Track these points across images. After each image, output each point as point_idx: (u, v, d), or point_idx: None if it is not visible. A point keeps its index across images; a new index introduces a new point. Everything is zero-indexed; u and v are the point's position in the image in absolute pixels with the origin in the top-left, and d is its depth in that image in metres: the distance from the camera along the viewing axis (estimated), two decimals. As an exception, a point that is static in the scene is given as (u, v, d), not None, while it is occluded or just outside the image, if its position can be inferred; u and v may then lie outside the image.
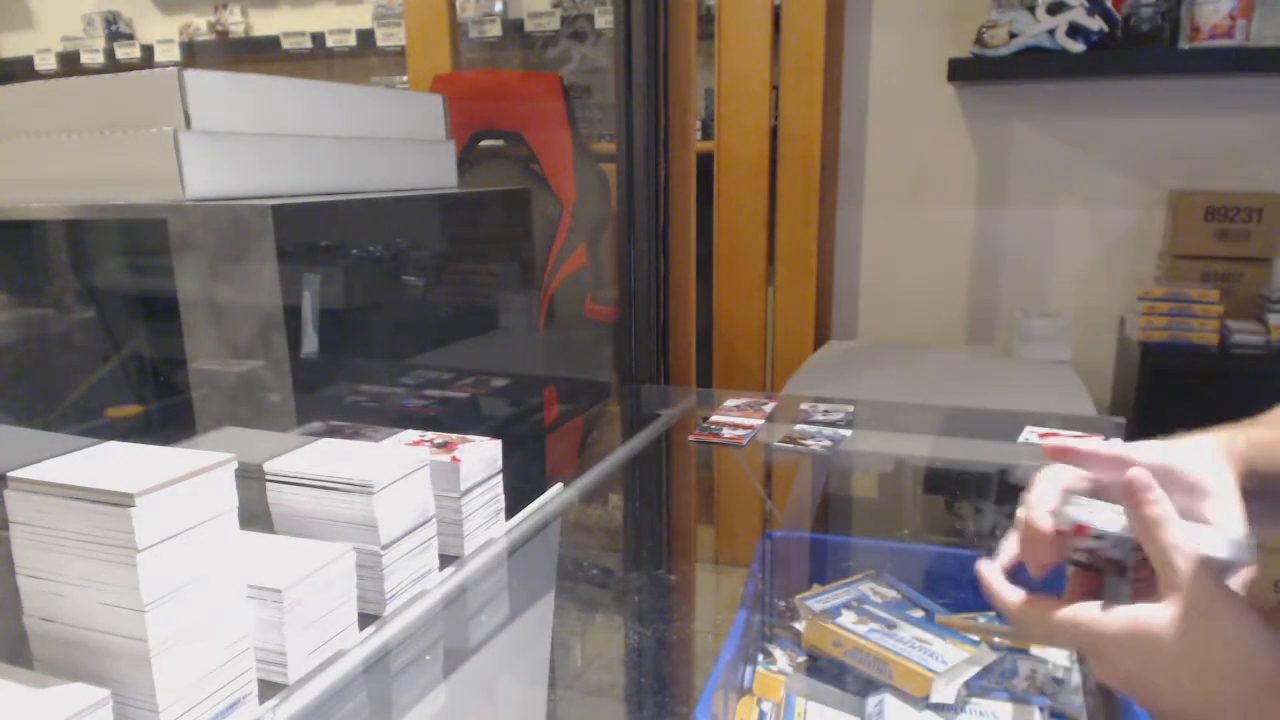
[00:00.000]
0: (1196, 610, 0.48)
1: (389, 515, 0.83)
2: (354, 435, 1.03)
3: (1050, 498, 0.58)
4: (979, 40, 1.96)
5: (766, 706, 0.81)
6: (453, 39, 2.18)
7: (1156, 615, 0.49)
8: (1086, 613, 0.53)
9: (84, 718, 0.56)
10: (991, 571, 0.60)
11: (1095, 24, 1.87)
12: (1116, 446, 0.60)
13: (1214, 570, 0.49)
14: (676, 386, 1.82)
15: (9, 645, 0.66)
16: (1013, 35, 1.93)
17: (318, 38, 3.07)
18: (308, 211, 1.06)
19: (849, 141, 2.29)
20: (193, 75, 0.98)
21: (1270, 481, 0.58)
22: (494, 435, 1.01)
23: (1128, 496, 0.52)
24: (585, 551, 1.16)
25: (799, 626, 0.90)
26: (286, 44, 3.11)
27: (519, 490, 1.11)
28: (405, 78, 2.32)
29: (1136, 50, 1.91)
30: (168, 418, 1.13)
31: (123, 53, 3.33)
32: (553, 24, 2.67)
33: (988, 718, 0.77)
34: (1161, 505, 0.51)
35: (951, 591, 0.97)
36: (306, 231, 1.04)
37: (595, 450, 1.56)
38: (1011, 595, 0.58)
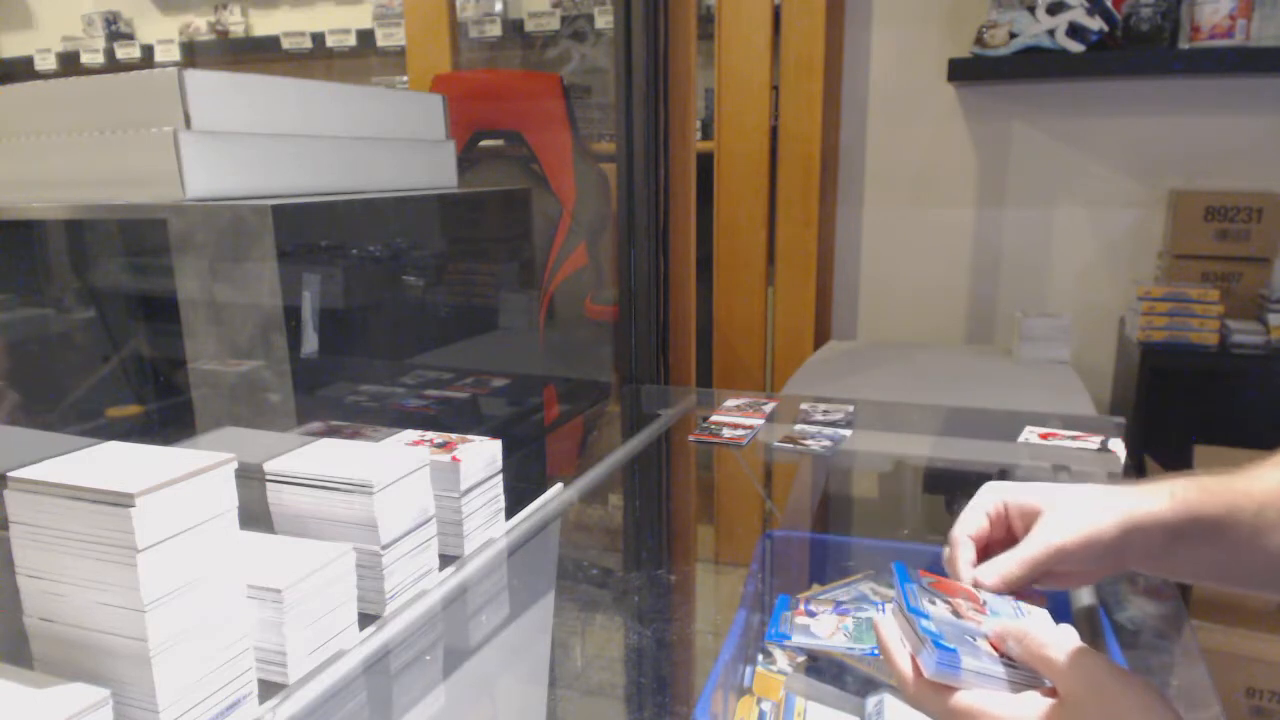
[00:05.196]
0: (1087, 698, 0.50)
1: (389, 515, 0.83)
2: (354, 435, 1.03)
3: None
4: (979, 40, 1.96)
5: (766, 706, 0.81)
6: (453, 39, 2.18)
7: (1054, 708, 0.51)
8: (991, 706, 0.52)
9: (84, 718, 0.56)
10: (890, 635, 0.59)
11: (1095, 24, 1.87)
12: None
13: (1101, 663, 0.51)
14: (676, 386, 1.82)
15: (9, 645, 0.66)
16: (1013, 35, 1.93)
17: (318, 38, 3.07)
18: (308, 211, 1.06)
19: (849, 141, 2.29)
20: (193, 75, 0.98)
21: (1212, 529, 0.59)
22: (494, 435, 1.01)
23: (1009, 641, 0.56)
24: (585, 551, 1.17)
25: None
26: (286, 44, 3.11)
27: (519, 490, 1.11)
28: (405, 78, 2.32)
29: (1136, 50, 1.91)
30: (168, 418, 1.13)
31: (123, 53, 3.33)
32: (553, 24, 2.67)
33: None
34: (1035, 631, 0.55)
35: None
36: (306, 231, 1.04)
37: (595, 450, 1.56)
38: (908, 667, 0.56)
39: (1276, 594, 0.62)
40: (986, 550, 0.66)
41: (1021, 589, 0.63)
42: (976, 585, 0.63)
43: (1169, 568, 0.63)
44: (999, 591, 0.62)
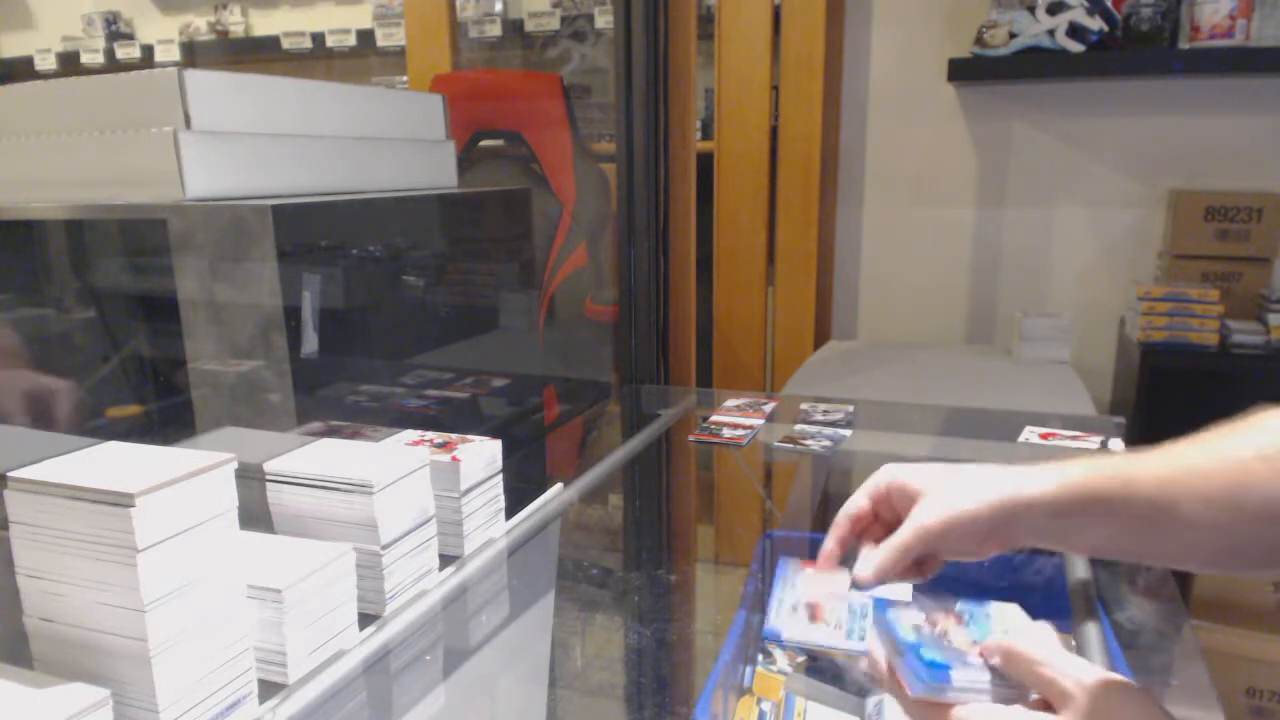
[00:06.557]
0: (1086, 709, 0.50)
1: (389, 515, 0.83)
2: (354, 435, 1.03)
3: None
4: (979, 40, 1.96)
5: (766, 706, 0.81)
6: (453, 39, 2.18)
7: None
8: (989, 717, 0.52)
9: (84, 718, 0.56)
10: (881, 658, 0.59)
11: (1095, 24, 1.87)
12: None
13: (1096, 674, 0.51)
14: (676, 386, 1.82)
15: (9, 645, 0.66)
16: (1013, 35, 1.93)
17: (318, 38, 3.07)
18: (308, 211, 1.06)
19: (849, 141, 2.29)
20: (193, 75, 0.98)
21: (1105, 507, 0.59)
22: (494, 435, 1.01)
23: (1000, 659, 0.55)
24: (585, 551, 1.17)
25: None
26: (286, 44, 3.11)
27: (519, 490, 1.11)
28: (405, 78, 2.32)
29: (1136, 50, 1.91)
30: (168, 418, 1.13)
31: (123, 53, 3.33)
32: (553, 24, 2.67)
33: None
34: (1028, 648, 0.53)
35: (951, 591, 0.97)
36: (306, 231, 1.04)
37: (595, 450, 1.56)
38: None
39: (1182, 567, 0.62)
40: (871, 529, 0.69)
41: (896, 576, 0.64)
42: (856, 582, 0.65)
43: (1064, 544, 0.64)
44: (873, 584, 0.64)
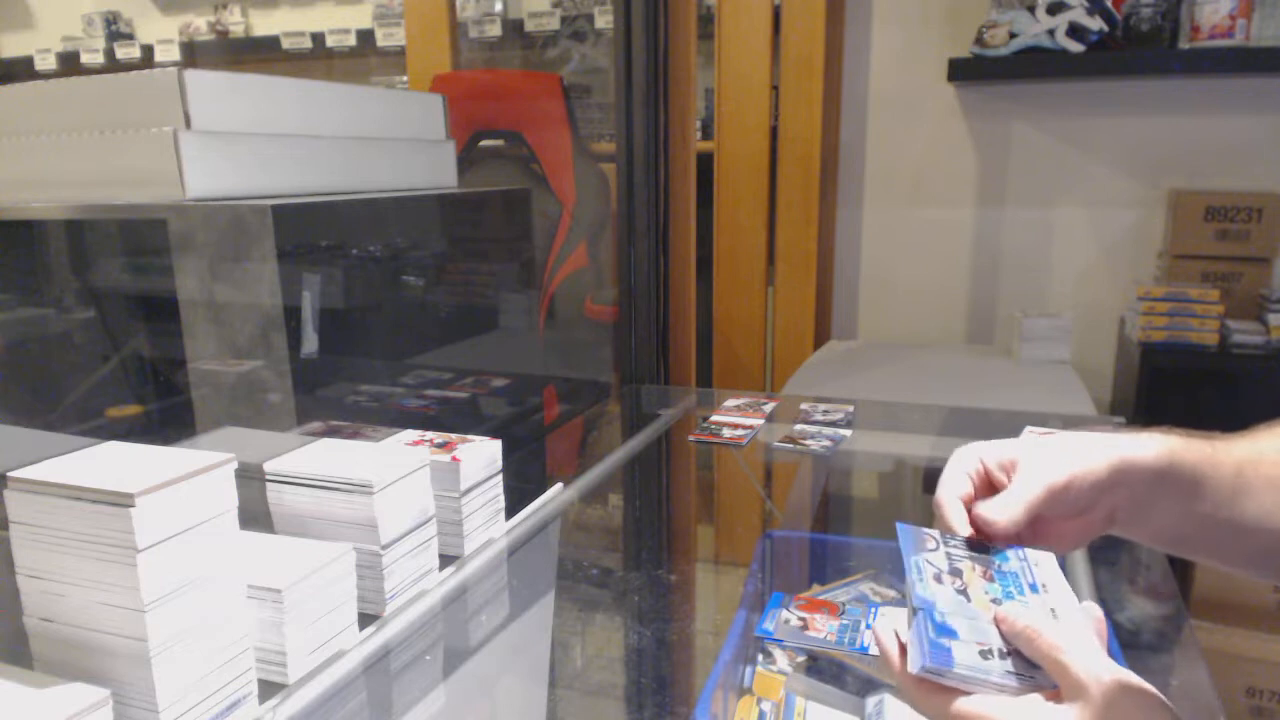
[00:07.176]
0: (1105, 711, 0.49)
1: (389, 515, 0.83)
2: (354, 435, 1.03)
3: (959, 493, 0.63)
4: (979, 40, 1.96)
5: (766, 706, 0.81)
6: (453, 39, 2.18)
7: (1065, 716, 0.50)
8: (994, 711, 0.52)
9: (84, 718, 0.56)
10: (886, 635, 0.58)
11: (1095, 24, 1.87)
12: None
13: (1114, 673, 0.50)
14: (676, 386, 1.82)
15: (9, 645, 0.66)
16: (1013, 35, 1.93)
17: (318, 38, 3.07)
18: (308, 211, 1.06)
19: (849, 141, 2.29)
20: (193, 75, 0.98)
21: (1193, 481, 0.60)
22: (494, 435, 1.01)
23: (1021, 640, 0.54)
24: (585, 551, 1.16)
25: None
26: (286, 44, 3.11)
27: (519, 490, 1.11)
28: (405, 78, 2.32)
29: (1136, 50, 1.91)
30: (168, 418, 1.13)
31: (123, 53, 3.33)
32: (553, 24, 2.67)
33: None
34: (1050, 635, 0.53)
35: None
36: (306, 231, 1.04)
37: (595, 450, 1.56)
38: (904, 667, 0.56)
39: (1241, 568, 0.62)
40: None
41: (1019, 531, 0.62)
42: (982, 526, 0.62)
43: (1148, 521, 0.63)
44: (1006, 533, 0.61)
